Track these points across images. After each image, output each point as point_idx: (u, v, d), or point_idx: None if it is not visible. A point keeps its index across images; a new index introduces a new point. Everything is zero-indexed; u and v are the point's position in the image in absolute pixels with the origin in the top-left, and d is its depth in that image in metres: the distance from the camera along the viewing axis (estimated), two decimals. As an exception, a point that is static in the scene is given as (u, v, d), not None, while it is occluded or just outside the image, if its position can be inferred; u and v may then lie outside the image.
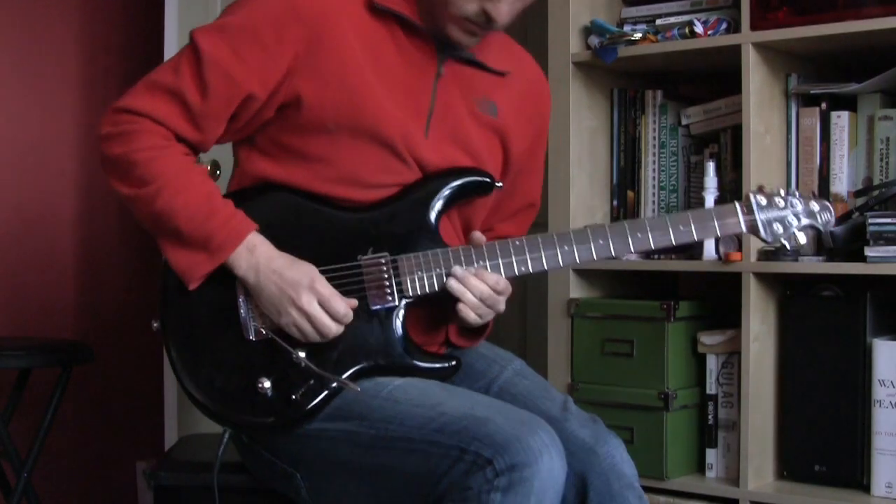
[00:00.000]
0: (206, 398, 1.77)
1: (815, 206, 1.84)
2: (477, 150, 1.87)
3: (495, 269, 1.78)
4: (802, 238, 1.83)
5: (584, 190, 2.58)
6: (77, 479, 3.33)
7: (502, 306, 1.81)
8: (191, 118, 1.75)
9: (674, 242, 1.80)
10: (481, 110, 1.89)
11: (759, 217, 1.81)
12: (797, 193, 1.85)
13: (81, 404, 3.30)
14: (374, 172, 1.79)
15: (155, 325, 1.80)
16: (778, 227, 1.82)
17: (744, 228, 1.81)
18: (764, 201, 1.82)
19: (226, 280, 1.76)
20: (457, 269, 1.77)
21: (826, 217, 1.84)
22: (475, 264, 1.78)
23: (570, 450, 1.73)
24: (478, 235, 1.84)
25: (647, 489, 2.38)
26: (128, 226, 3.39)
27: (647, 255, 2.50)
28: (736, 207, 1.81)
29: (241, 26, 1.75)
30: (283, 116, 1.79)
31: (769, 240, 1.82)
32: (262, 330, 1.76)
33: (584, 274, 2.57)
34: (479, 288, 1.76)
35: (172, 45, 2.95)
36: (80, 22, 3.33)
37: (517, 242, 1.80)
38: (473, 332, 1.90)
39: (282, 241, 1.76)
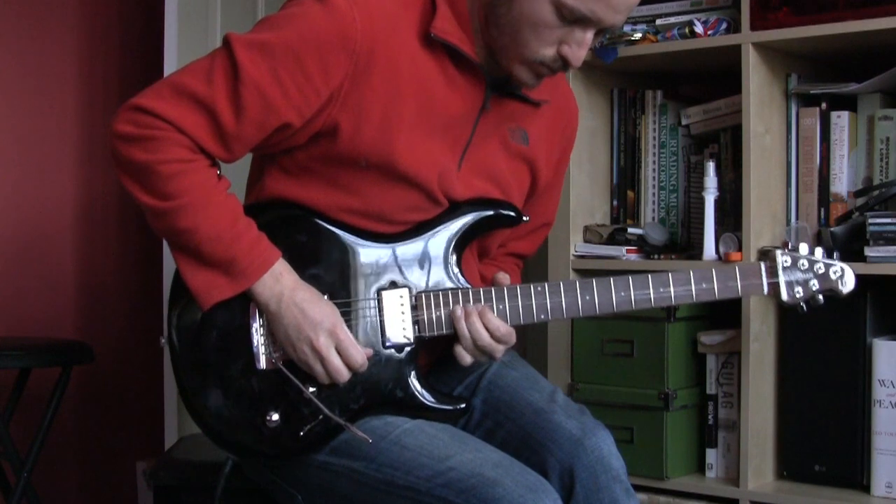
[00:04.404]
0: (211, 424, 1.74)
1: (838, 270, 1.82)
2: (506, 182, 1.83)
3: (514, 311, 1.75)
4: (821, 300, 1.83)
5: (584, 190, 2.58)
6: (77, 479, 3.33)
7: (499, 355, 1.77)
8: (220, 137, 1.64)
9: (694, 299, 1.79)
10: (513, 139, 1.84)
11: (783, 280, 1.81)
12: (822, 254, 1.83)
13: (81, 404, 3.30)
14: (403, 211, 1.75)
15: (162, 340, 1.75)
16: (799, 291, 1.81)
17: (765, 291, 1.81)
18: (788, 262, 1.81)
19: (240, 305, 1.70)
20: (464, 307, 1.73)
21: (848, 282, 1.82)
22: (495, 307, 1.74)
23: (556, 441, 1.73)
24: (502, 276, 1.81)
25: (647, 489, 2.39)
26: (128, 226, 3.39)
27: (647, 255, 2.50)
28: (761, 268, 1.81)
29: (286, 48, 1.62)
30: (316, 144, 1.70)
31: (789, 303, 1.82)
32: (273, 360, 1.71)
33: (585, 274, 2.57)
34: (479, 334, 1.72)
35: (172, 41, 2.94)
36: (80, 21, 3.32)
37: (539, 288, 1.76)
38: None
39: (301, 267, 1.71)
